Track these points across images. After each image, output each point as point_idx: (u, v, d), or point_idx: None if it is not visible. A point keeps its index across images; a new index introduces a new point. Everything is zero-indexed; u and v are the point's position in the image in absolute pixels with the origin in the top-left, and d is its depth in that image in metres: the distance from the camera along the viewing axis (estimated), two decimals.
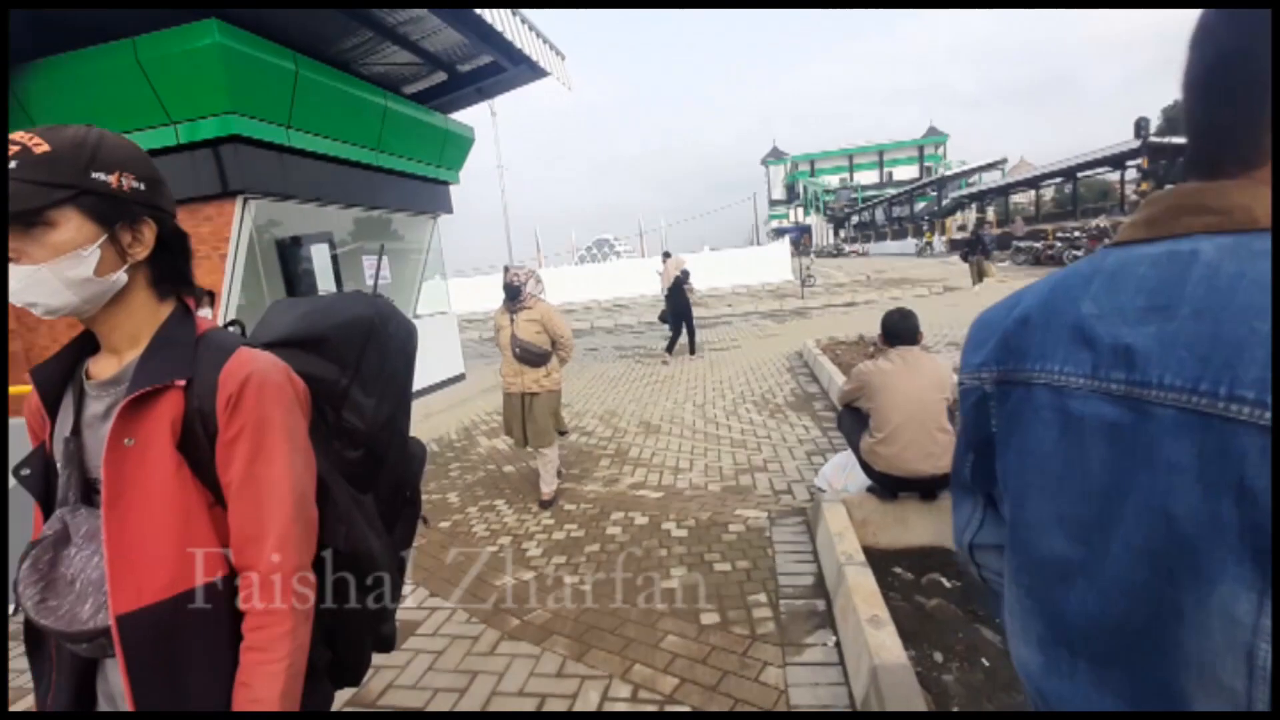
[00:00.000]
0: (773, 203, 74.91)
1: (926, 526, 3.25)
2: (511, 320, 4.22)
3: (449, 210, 9.21)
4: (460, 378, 9.03)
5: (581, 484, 4.69)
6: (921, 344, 3.32)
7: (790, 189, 74.43)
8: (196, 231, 5.72)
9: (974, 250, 16.34)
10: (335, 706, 1.30)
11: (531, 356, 4.17)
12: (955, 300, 14.33)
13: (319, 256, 8.67)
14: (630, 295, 25.62)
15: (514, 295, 4.17)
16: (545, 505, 4.26)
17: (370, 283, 7.77)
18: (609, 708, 2.28)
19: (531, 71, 9.12)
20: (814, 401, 6.41)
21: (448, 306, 9.72)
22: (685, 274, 9.81)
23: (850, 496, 3.38)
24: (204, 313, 1.99)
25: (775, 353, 9.70)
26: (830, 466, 4.00)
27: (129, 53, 5.06)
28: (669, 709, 2.24)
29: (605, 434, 6.01)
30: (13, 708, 2.53)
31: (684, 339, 10.08)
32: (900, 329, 3.26)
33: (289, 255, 8.51)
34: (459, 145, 8.94)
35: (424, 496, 4.50)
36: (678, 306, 9.77)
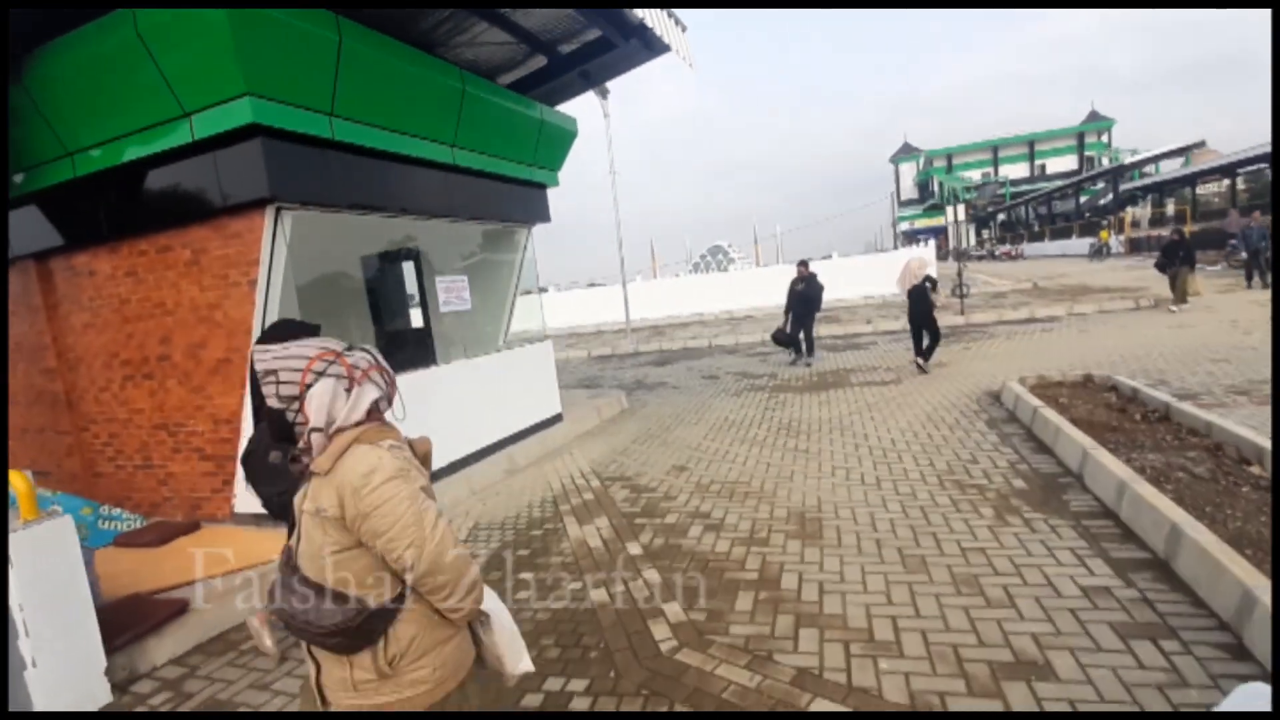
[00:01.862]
0: (903, 203, 69.00)
1: None
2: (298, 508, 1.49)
3: (545, 218, 7.76)
4: (556, 419, 7.54)
5: (709, 649, 2.87)
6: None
7: (923, 187, 68.18)
8: (224, 253, 4.54)
9: (1174, 258, 12.39)
10: None
11: (311, 628, 1.36)
12: (1182, 320, 11.01)
13: (408, 276, 7.54)
14: (746, 307, 23.48)
15: (282, 430, 1.44)
16: None
17: (446, 309, 6.45)
18: None
19: (645, 49, 7.50)
20: (1064, 493, 4.18)
21: (542, 327, 8.29)
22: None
23: None
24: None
25: (954, 392, 7.38)
26: None
27: (129, 25, 3.92)
28: None
29: (741, 532, 4.16)
30: None
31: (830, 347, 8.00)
32: None
33: (379, 276, 7.44)
34: (557, 140, 7.47)
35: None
36: (919, 313, 8.76)
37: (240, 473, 4.91)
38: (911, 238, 57.00)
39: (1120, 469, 3.98)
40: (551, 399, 7.57)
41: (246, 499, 4.90)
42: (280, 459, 2.91)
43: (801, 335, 10.77)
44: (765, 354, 12.80)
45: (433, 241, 6.93)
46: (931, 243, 27.65)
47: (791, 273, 11.58)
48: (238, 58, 3.77)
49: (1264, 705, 1.89)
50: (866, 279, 22.40)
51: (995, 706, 2.33)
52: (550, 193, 8.01)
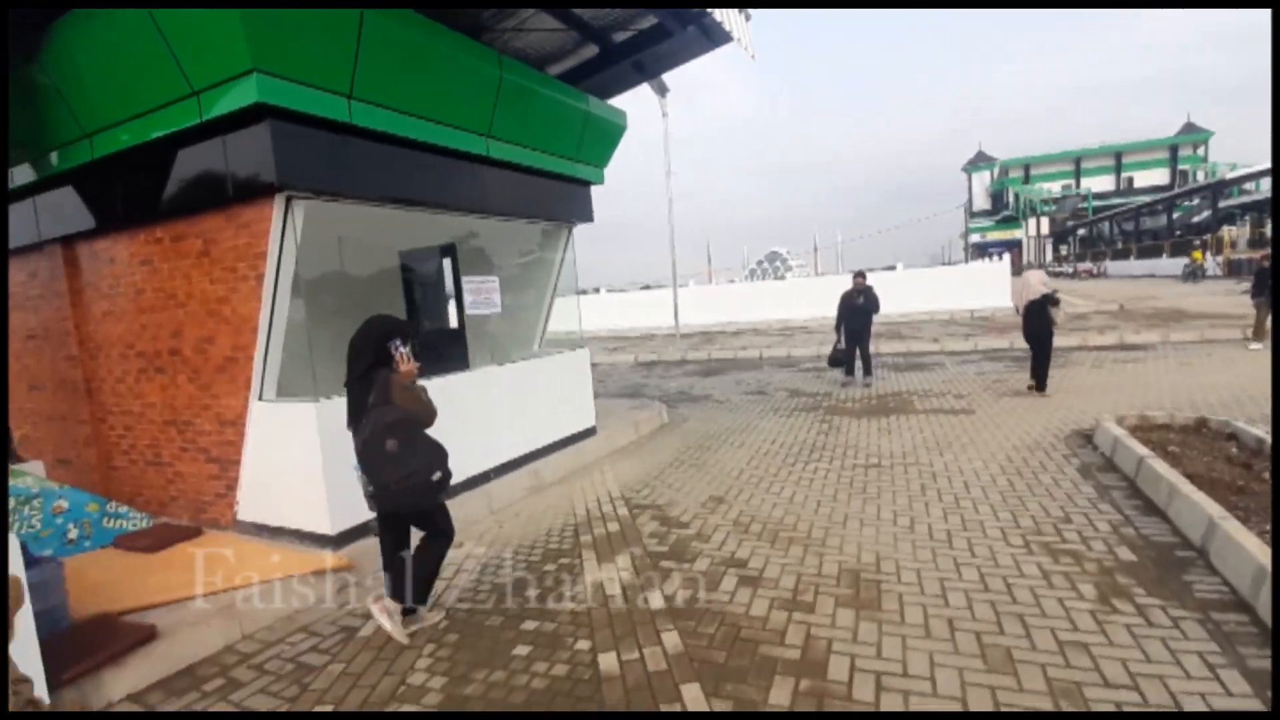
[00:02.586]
0: (974, 214, 65.80)
1: None
2: None
3: (588, 217, 7.30)
4: (589, 433, 7.05)
5: None
6: None
7: (997, 198, 64.91)
8: (234, 244, 4.24)
9: (1264, 285, 10.68)
10: None
11: None
12: None
13: (446, 274, 7.20)
14: (802, 318, 22.54)
15: None
16: None
17: (473, 312, 6.04)
18: None
19: (705, 38, 6.96)
20: (1185, 571, 3.40)
21: (580, 332, 7.82)
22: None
23: None
24: None
25: (1037, 428, 6.52)
26: None
27: None
28: None
29: (783, 590, 3.55)
30: None
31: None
32: None
33: (405, 275, 7.12)
34: (604, 134, 6.99)
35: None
36: (1037, 330, 7.90)
37: (245, 479, 4.64)
38: (982, 251, 54.28)
39: (1259, 549, 3.18)
40: (585, 410, 7.10)
41: (249, 507, 4.61)
42: (396, 446, 2.95)
43: (858, 352, 9.98)
44: (820, 370, 12.01)
45: (463, 239, 6.55)
46: (1006, 257, 25.94)
47: (848, 283, 10.77)
48: (244, 29, 3.42)
49: None
50: (935, 293, 21.14)
51: None
52: (604, 189, 7.56)
